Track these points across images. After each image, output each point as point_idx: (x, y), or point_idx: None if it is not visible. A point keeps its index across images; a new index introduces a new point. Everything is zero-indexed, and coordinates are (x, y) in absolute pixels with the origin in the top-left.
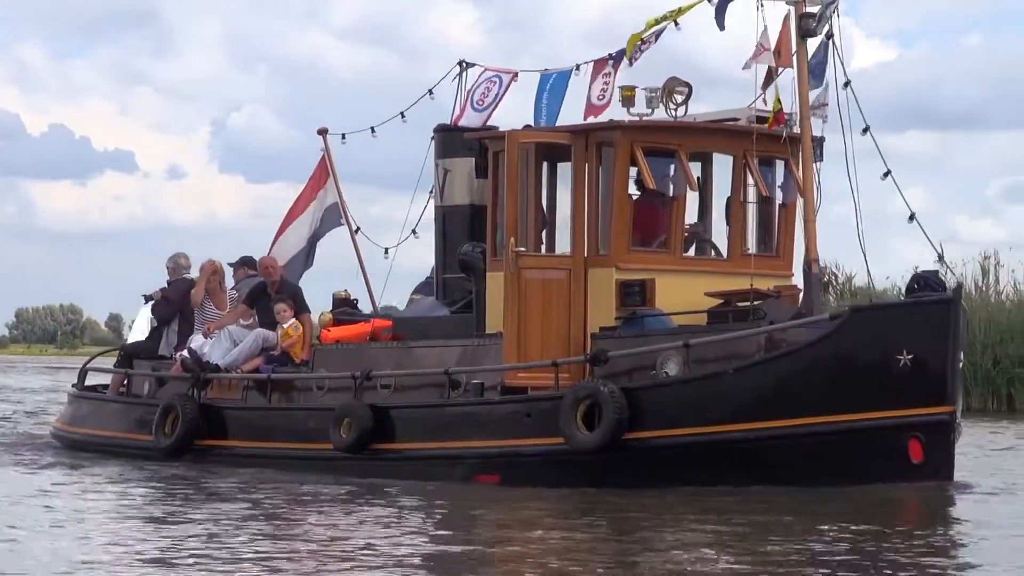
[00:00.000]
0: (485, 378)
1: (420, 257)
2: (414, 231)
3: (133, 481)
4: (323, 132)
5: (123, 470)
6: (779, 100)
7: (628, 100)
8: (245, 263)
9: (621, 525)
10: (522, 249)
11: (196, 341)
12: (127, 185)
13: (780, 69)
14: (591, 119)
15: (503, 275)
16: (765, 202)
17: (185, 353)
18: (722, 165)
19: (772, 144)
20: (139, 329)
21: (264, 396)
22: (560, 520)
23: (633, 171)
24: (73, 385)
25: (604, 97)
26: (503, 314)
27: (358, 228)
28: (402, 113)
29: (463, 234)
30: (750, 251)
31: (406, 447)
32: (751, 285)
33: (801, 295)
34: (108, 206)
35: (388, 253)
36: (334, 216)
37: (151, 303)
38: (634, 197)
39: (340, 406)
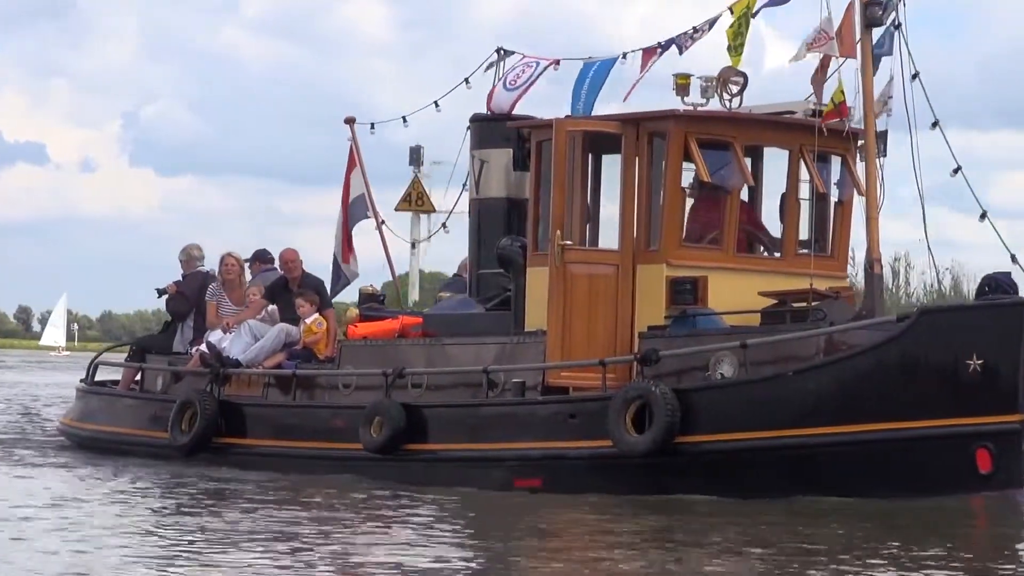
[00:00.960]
0: (526, 377)
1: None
2: (444, 225)
3: (146, 480)
4: (350, 121)
5: (136, 469)
6: (842, 91)
7: (682, 88)
8: (259, 257)
9: (670, 536)
10: (568, 243)
11: (214, 336)
12: (38, 177)
13: (841, 59)
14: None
15: (547, 270)
16: (820, 199)
17: (203, 348)
18: (773, 160)
19: (828, 139)
20: (53, 323)
21: (288, 393)
22: (605, 529)
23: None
24: (82, 380)
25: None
26: (547, 310)
27: (383, 221)
28: (436, 102)
29: (499, 228)
30: (804, 250)
31: (440, 448)
32: (810, 285)
33: (859, 297)
34: (19, 198)
35: (415, 248)
36: (361, 208)
37: (165, 297)
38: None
39: (371, 404)
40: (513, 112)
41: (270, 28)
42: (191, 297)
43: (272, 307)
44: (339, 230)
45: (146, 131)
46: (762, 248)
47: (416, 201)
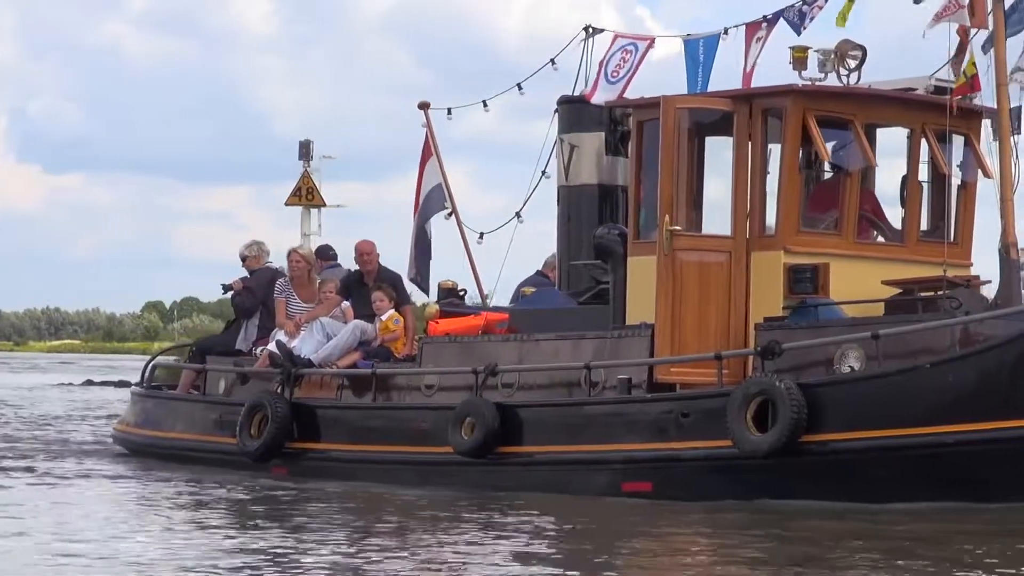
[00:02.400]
0: (631, 374)
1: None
2: (518, 214)
3: (215, 488)
4: (424, 106)
5: (202, 476)
6: (973, 64)
7: (800, 63)
8: (320, 254)
9: (797, 545)
10: (678, 228)
11: (284, 335)
12: None
13: (973, 31)
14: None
15: (649, 259)
16: (940, 182)
17: (273, 347)
18: (890, 139)
19: (953, 117)
20: None
21: (366, 394)
22: (724, 537)
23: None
24: (137, 383)
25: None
26: (655, 301)
27: (452, 211)
28: (519, 84)
29: (590, 216)
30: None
31: (537, 450)
32: (944, 272)
33: (988, 286)
34: None
35: (482, 239)
36: (438, 198)
37: (230, 294)
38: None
39: (461, 404)
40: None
41: (156, 23)
42: (259, 293)
43: (344, 304)
44: (413, 228)
45: (33, 127)
46: (876, 234)
47: (306, 196)
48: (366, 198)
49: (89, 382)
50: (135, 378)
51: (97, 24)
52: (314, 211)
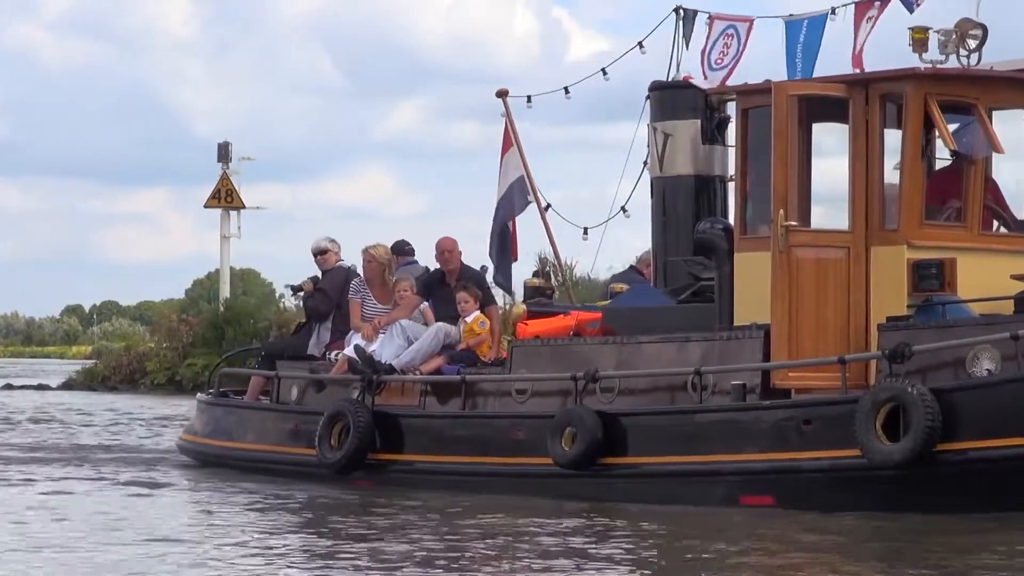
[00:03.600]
0: (745, 378)
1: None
2: (623, 208)
3: (295, 502)
4: (503, 94)
5: (279, 490)
6: None
7: (919, 44)
8: (397, 250)
9: (933, 562)
10: (793, 223)
11: (358, 338)
12: None
13: None
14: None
15: (757, 255)
16: None
17: (349, 352)
18: (1007, 124)
19: None
20: None
21: (453, 401)
22: (851, 552)
23: None
24: (204, 391)
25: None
26: (771, 301)
27: (548, 205)
28: (603, 70)
29: (686, 209)
30: None
31: (645, 461)
32: None
33: None
34: None
35: (587, 234)
36: (522, 192)
37: (301, 295)
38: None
39: (561, 413)
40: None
41: (71, 26)
42: (333, 295)
43: (423, 304)
44: (495, 223)
45: None
46: (999, 225)
47: (225, 198)
48: (285, 199)
49: (9, 386)
50: (55, 382)
51: (10, 28)
52: (234, 213)
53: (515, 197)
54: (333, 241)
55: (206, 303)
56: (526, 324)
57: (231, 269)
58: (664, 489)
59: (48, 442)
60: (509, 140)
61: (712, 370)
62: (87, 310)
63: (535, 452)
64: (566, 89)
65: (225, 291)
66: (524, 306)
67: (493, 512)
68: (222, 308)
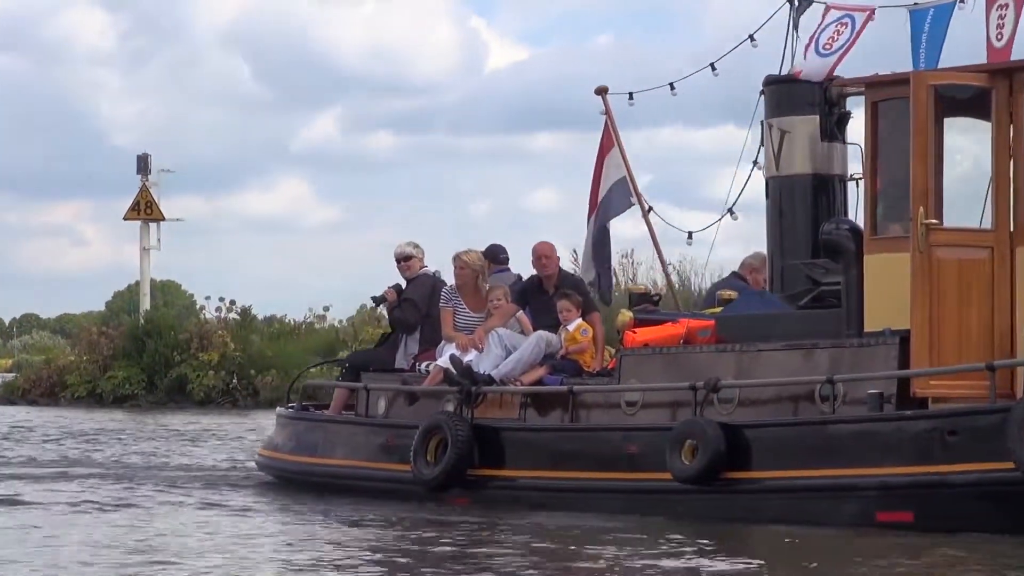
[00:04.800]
0: (881, 387)
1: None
2: (731, 210)
3: (391, 522)
4: (602, 91)
5: (372, 508)
6: None
7: None
8: (490, 256)
9: None
10: (934, 221)
11: (449, 349)
12: None
13: None
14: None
15: (895, 256)
16: None
17: (443, 362)
18: None
19: None
20: None
21: (556, 413)
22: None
23: None
24: (284, 405)
25: (1002, 36)
26: (911, 305)
27: (650, 208)
28: (712, 65)
29: (804, 210)
30: None
31: (772, 476)
32: None
33: None
34: None
35: (691, 238)
36: (623, 193)
37: (385, 305)
38: None
39: (681, 425)
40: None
41: None
42: (421, 305)
43: (520, 313)
44: (591, 227)
45: None
46: None
47: (145, 210)
48: (205, 211)
49: None
50: None
51: None
52: (153, 225)
53: (615, 199)
54: (417, 246)
55: (127, 315)
56: (634, 332)
57: (151, 281)
58: (792, 505)
59: (95, 459)
60: (610, 140)
61: (847, 378)
62: (6, 323)
63: (650, 467)
64: (671, 85)
65: (145, 303)
66: (630, 313)
67: (605, 530)
68: (142, 320)
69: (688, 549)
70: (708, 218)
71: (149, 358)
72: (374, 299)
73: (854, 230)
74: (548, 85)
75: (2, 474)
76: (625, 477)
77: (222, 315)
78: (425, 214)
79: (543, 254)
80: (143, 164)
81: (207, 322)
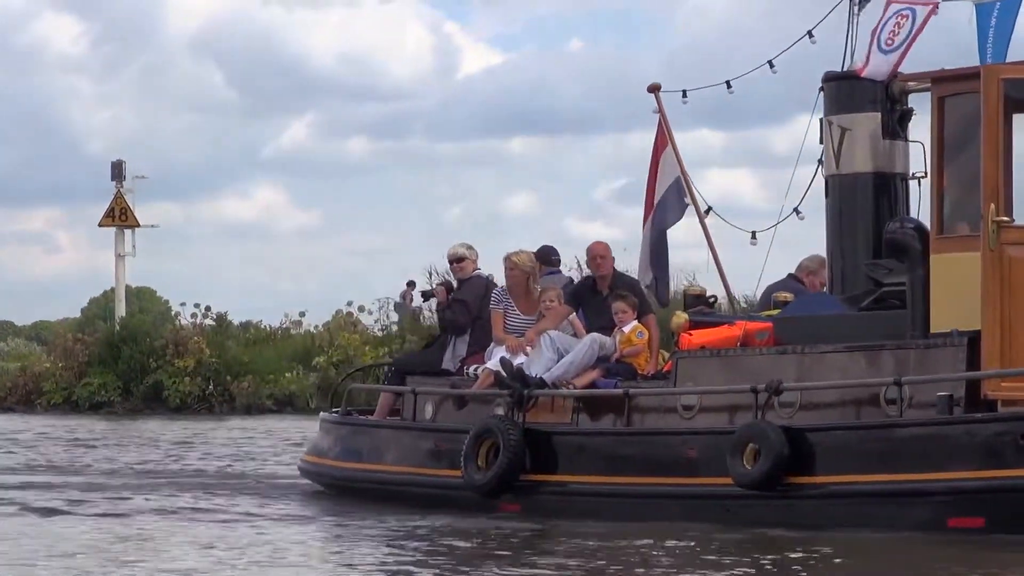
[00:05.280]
0: (950, 389)
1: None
2: (796, 210)
3: (444, 529)
4: (654, 89)
5: (421, 515)
6: None
7: None
8: (541, 258)
9: None
10: (1006, 219)
11: (499, 352)
12: None
13: None
14: None
15: (964, 256)
16: None
17: (493, 365)
18: None
19: None
20: None
21: (610, 417)
22: None
23: None
24: (327, 409)
25: None
26: (982, 304)
27: (709, 208)
28: (770, 62)
29: (865, 210)
30: None
31: (837, 480)
32: None
33: None
34: None
35: (755, 239)
36: (679, 195)
37: (432, 302)
38: None
39: (743, 428)
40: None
41: None
42: (473, 307)
43: (573, 315)
44: (647, 230)
45: None
46: None
47: (119, 216)
48: (179, 218)
49: None
50: None
51: None
52: (128, 231)
53: (671, 202)
54: (471, 248)
55: (102, 322)
56: (690, 334)
57: (127, 287)
58: (858, 510)
59: (159, 468)
60: (664, 139)
61: (915, 380)
62: None
63: (709, 471)
64: (728, 83)
65: (121, 310)
66: (685, 315)
67: (662, 536)
68: (118, 327)
69: (749, 556)
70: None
71: (125, 365)
72: (423, 294)
73: (919, 229)
74: (522, 89)
75: (70, 483)
76: (683, 482)
77: (198, 321)
78: (400, 219)
79: (598, 254)
80: (117, 171)
81: (183, 328)
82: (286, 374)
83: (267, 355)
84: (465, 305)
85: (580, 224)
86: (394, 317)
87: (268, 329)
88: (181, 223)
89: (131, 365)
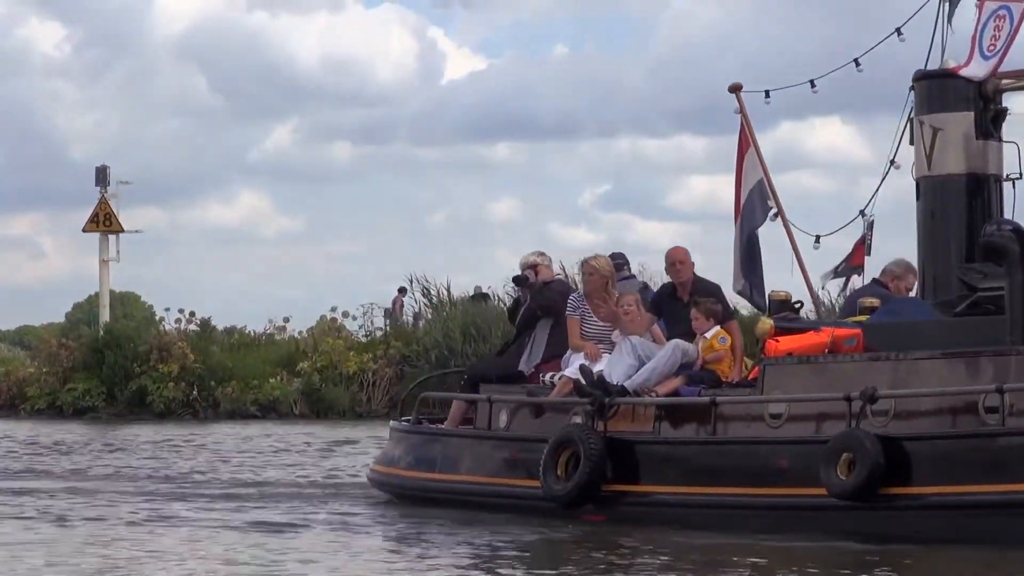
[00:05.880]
0: None
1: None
2: (863, 212)
3: (526, 541)
4: (736, 89)
5: (499, 527)
6: None
7: None
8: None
9: None
10: None
11: (577, 359)
12: None
13: None
14: None
15: None
16: None
17: (571, 373)
18: None
19: None
20: None
21: (695, 426)
22: None
23: None
24: (398, 418)
25: None
26: None
27: (779, 212)
28: (856, 60)
29: (958, 212)
30: None
31: (936, 491)
32: None
33: None
34: None
35: (819, 242)
36: (762, 197)
37: (525, 288)
38: None
39: (838, 437)
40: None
41: None
42: (561, 299)
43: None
44: (737, 234)
45: None
46: None
47: (104, 222)
48: (163, 223)
49: None
50: None
51: None
52: (112, 237)
53: (757, 205)
54: (543, 254)
55: (86, 327)
56: (776, 341)
57: (111, 292)
58: (959, 522)
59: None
60: (746, 140)
61: (1018, 388)
62: None
63: (800, 482)
64: (812, 82)
65: (105, 315)
66: (770, 321)
67: (751, 549)
68: (102, 332)
69: (844, 570)
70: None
71: (109, 370)
72: (516, 279)
73: (1018, 231)
74: (506, 95)
75: (152, 491)
76: (773, 492)
77: (182, 326)
78: (384, 224)
79: (677, 259)
80: (102, 176)
81: (167, 333)
82: (270, 380)
83: (251, 361)
84: (556, 291)
85: (564, 229)
86: (379, 323)
87: (252, 334)
88: (165, 228)
89: (115, 370)
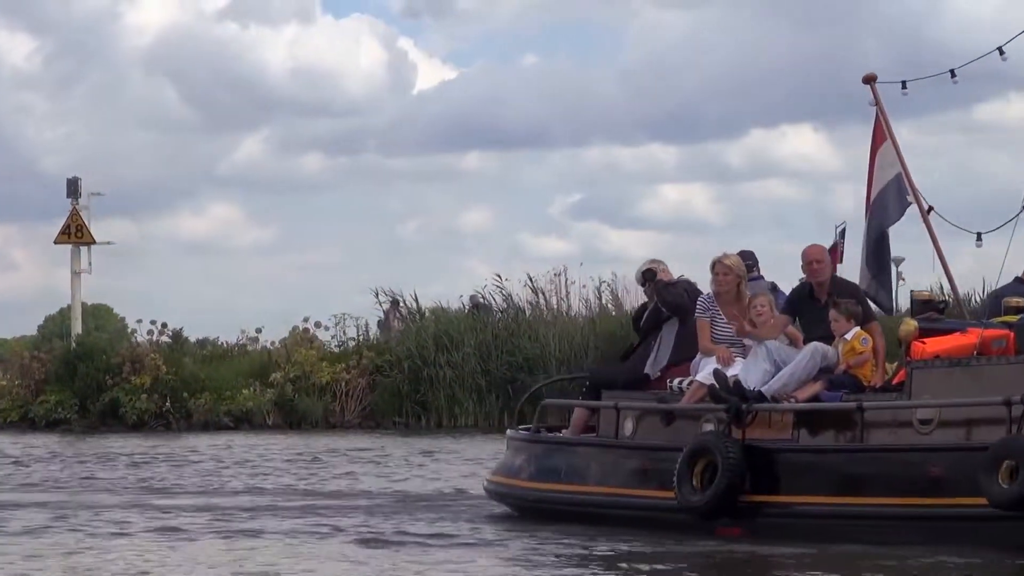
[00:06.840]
0: None
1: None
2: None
3: (661, 557)
4: (870, 80)
5: (632, 540)
6: None
7: None
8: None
9: None
10: None
11: (708, 364)
12: None
13: None
14: None
15: None
16: None
17: (704, 378)
18: None
19: None
20: None
21: (837, 432)
22: None
23: None
24: (515, 427)
25: None
26: None
27: (931, 207)
28: (1000, 49)
29: None
30: None
31: None
32: None
33: None
34: None
35: (981, 240)
36: (899, 193)
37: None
38: None
39: (998, 444)
40: None
41: None
42: (681, 305)
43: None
44: (867, 231)
45: None
46: None
47: (75, 233)
48: (135, 235)
49: None
50: None
51: None
52: (84, 248)
53: (891, 200)
54: (656, 260)
55: (58, 339)
56: (923, 343)
57: (83, 304)
58: None
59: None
60: (882, 133)
61: None
62: None
63: (958, 491)
64: (952, 72)
65: (77, 327)
66: (915, 322)
67: (904, 563)
68: (74, 344)
69: None
70: None
71: (81, 382)
72: (643, 274)
73: None
74: (477, 105)
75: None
76: (927, 503)
77: (154, 338)
78: (356, 234)
79: (814, 258)
80: (73, 187)
81: (139, 345)
82: (243, 391)
83: (224, 372)
84: (685, 287)
85: (535, 239)
86: (351, 332)
87: (225, 346)
88: (137, 240)
89: (88, 382)
